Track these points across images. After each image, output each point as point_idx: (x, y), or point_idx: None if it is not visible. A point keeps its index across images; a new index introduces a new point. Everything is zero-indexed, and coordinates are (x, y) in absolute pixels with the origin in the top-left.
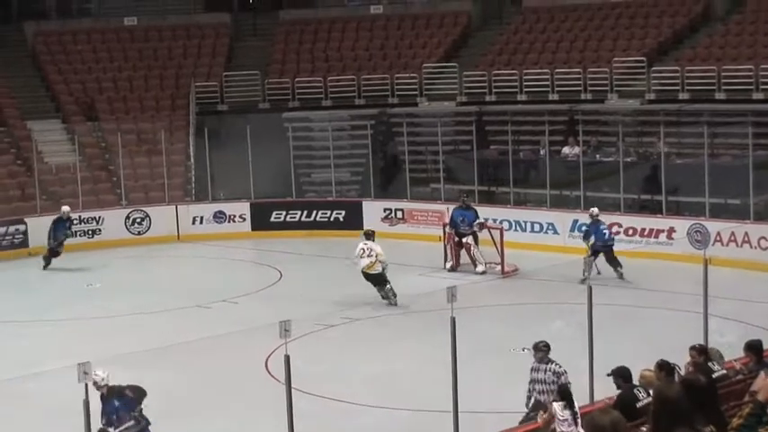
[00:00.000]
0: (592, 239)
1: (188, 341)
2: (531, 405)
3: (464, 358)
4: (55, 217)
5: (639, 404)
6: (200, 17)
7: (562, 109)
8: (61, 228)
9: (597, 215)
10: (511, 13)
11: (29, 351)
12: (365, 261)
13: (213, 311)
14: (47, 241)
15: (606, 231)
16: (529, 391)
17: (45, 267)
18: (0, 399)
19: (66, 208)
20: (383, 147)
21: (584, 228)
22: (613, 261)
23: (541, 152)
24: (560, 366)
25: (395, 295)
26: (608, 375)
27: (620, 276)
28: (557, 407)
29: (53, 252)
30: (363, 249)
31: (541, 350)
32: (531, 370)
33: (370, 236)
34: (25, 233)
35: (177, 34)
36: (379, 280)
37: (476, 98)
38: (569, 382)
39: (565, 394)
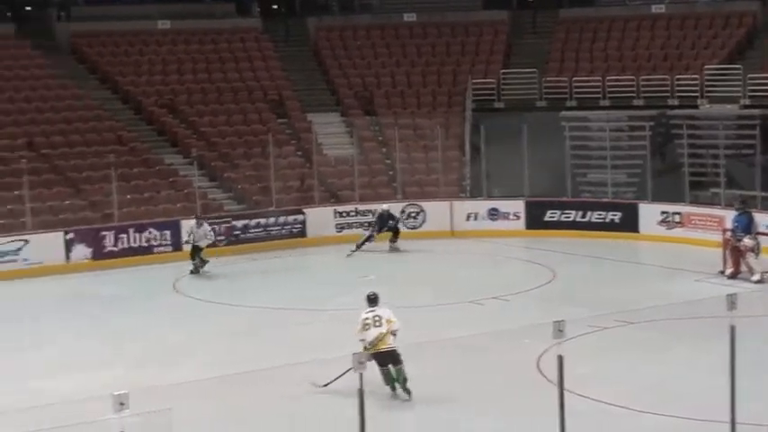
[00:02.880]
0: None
1: (459, 337)
2: None
3: (741, 368)
4: None
5: None
6: (479, 14)
7: None
8: None
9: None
10: None
11: (306, 339)
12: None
13: (485, 308)
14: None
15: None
16: None
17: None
18: (280, 383)
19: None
20: (661, 148)
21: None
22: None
23: None
24: None
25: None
26: None
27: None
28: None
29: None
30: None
31: None
32: None
33: None
34: (303, 223)
35: (456, 31)
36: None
37: (760, 101)
38: None
39: None
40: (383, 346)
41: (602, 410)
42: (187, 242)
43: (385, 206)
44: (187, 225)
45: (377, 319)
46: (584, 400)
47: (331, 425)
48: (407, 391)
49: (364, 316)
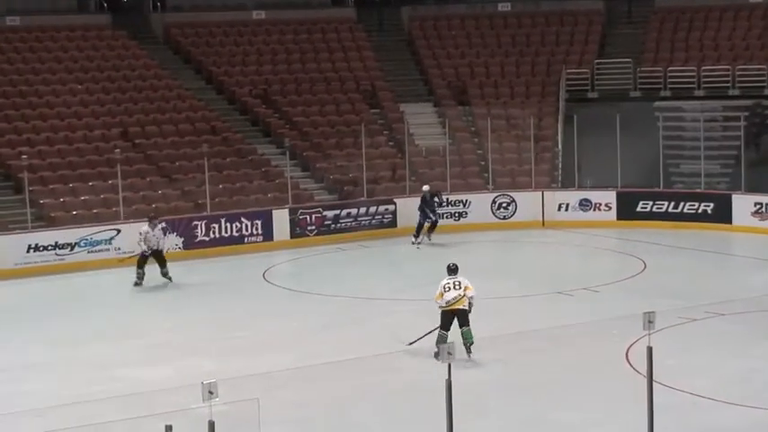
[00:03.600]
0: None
1: (549, 327)
2: None
3: None
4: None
5: None
6: (574, 4)
7: None
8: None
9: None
10: None
11: (395, 328)
12: None
13: (574, 299)
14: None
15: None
16: None
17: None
18: (369, 373)
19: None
20: (756, 139)
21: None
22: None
23: None
24: None
25: None
26: None
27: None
28: None
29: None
30: None
31: None
32: None
33: None
34: (394, 213)
35: (550, 20)
36: None
37: None
38: None
39: None
40: (458, 306)
41: (690, 402)
42: (145, 252)
43: (426, 187)
44: (280, 215)
45: (456, 283)
46: (672, 392)
47: (418, 415)
48: (469, 351)
49: (445, 282)
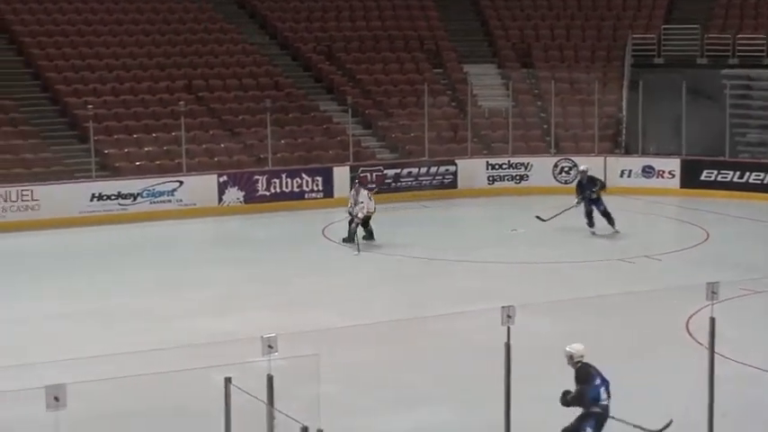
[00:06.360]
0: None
1: (609, 294)
2: None
3: None
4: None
5: None
6: None
7: None
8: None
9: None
10: None
11: (454, 289)
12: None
13: (636, 266)
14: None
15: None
16: None
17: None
18: (425, 334)
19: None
20: None
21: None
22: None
23: None
24: None
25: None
26: None
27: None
28: None
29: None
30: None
31: None
32: None
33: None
34: (455, 174)
35: None
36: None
37: None
38: None
39: None
40: (374, 211)
41: (750, 375)
42: None
43: (582, 167)
44: (340, 172)
45: (371, 195)
46: (731, 364)
47: (474, 378)
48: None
49: (368, 192)
